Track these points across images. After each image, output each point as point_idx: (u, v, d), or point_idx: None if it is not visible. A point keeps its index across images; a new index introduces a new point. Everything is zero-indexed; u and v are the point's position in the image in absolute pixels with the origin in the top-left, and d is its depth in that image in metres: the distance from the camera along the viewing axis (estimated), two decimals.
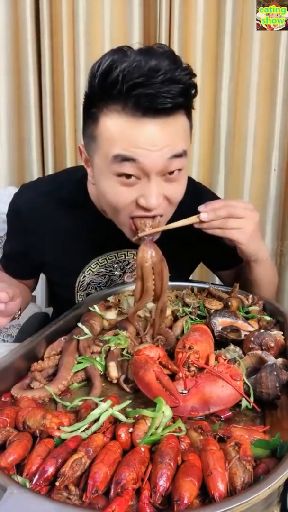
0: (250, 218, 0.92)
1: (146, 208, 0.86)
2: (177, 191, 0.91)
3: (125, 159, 0.82)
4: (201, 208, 0.89)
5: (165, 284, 0.85)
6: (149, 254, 0.83)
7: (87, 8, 1.95)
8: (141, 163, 0.81)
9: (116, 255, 1.14)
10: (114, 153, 0.82)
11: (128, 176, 0.84)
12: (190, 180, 1.14)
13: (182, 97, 0.81)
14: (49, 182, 1.20)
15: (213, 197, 1.27)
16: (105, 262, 1.14)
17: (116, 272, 1.16)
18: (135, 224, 0.90)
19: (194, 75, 0.83)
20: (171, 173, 0.86)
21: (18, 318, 1.00)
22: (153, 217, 0.89)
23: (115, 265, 1.15)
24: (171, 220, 0.94)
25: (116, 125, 0.82)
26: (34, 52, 1.99)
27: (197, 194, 1.14)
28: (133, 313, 0.89)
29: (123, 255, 1.15)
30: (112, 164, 0.83)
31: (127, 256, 1.15)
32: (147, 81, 0.77)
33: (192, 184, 1.13)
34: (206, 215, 0.88)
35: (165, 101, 0.78)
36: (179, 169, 0.87)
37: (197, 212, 0.92)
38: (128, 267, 1.16)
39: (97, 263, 1.14)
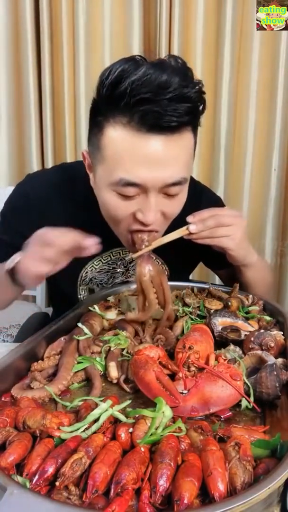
0: (238, 224, 0.93)
1: (143, 223, 0.87)
2: (175, 207, 0.91)
3: (128, 183, 0.82)
4: (189, 219, 0.89)
5: (167, 295, 0.87)
6: (147, 269, 0.85)
7: (87, 8, 1.95)
8: (143, 185, 0.83)
9: (121, 252, 1.14)
10: (119, 177, 0.82)
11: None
12: (191, 179, 1.11)
13: (188, 115, 0.80)
14: (57, 173, 1.16)
15: (213, 196, 1.27)
16: (109, 259, 1.14)
17: (119, 270, 1.16)
18: (133, 239, 0.91)
19: (204, 92, 0.83)
20: (171, 190, 0.86)
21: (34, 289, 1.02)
22: (149, 231, 0.90)
23: (119, 263, 1.15)
24: (170, 224, 0.95)
25: (121, 139, 0.81)
26: (34, 52, 2.00)
27: (196, 194, 1.14)
28: (132, 320, 0.91)
29: (127, 252, 1.14)
30: (116, 184, 0.84)
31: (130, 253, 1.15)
32: (154, 97, 0.76)
33: (192, 184, 1.12)
34: (195, 227, 0.89)
35: (170, 119, 0.78)
36: (180, 188, 0.88)
37: (195, 209, 0.92)
38: (132, 265, 1.17)
39: (100, 260, 1.13)
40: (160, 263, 1.19)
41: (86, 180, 1.04)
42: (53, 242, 0.80)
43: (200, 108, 0.85)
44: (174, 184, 0.85)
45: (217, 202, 1.26)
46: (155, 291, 0.85)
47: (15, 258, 0.86)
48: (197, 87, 0.81)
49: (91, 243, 0.81)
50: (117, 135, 0.81)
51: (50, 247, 0.80)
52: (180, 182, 0.86)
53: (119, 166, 0.82)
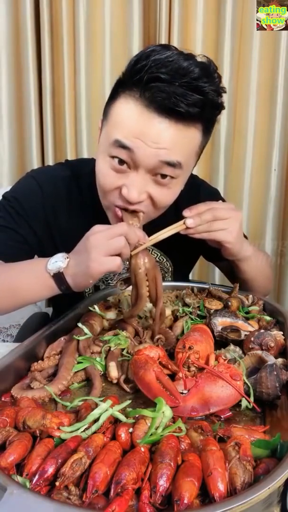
0: (234, 217, 0.94)
1: (127, 200, 0.88)
2: (165, 196, 0.91)
3: (122, 146, 0.84)
4: (186, 213, 0.89)
5: (159, 290, 0.86)
6: (142, 261, 0.83)
7: (87, 8, 1.95)
8: (135, 154, 0.83)
9: None
10: (115, 137, 0.85)
11: (121, 161, 0.86)
12: (191, 174, 1.15)
13: (198, 108, 0.81)
14: (62, 169, 1.15)
15: (211, 189, 1.29)
16: None
17: (124, 265, 1.16)
18: (115, 215, 0.93)
19: (221, 94, 0.85)
20: (163, 176, 0.87)
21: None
22: (133, 212, 0.90)
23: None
24: (167, 218, 0.95)
25: (128, 110, 0.84)
26: (35, 51, 2.00)
27: (195, 187, 1.16)
28: (128, 318, 0.91)
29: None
30: (111, 146, 0.86)
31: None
32: (169, 79, 0.78)
33: (190, 177, 1.12)
34: (192, 221, 0.89)
35: (177, 103, 0.79)
36: (172, 177, 0.88)
37: (194, 202, 0.92)
38: None
39: None
40: (165, 260, 1.19)
41: (90, 176, 1.06)
42: (120, 233, 0.80)
43: (214, 107, 0.86)
44: (168, 164, 0.85)
45: (216, 194, 1.28)
46: (147, 284, 0.84)
47: (60, 263, 0.84)
48: (216, 86, 0.83)
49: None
50: (127, 105, 0.84)
51: (119, 238, 0.80)
52: (174, 164, 0.85)
53: (119, 129, 0.85)
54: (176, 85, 0.78)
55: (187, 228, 0.90)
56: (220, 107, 0.88)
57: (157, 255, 1.17)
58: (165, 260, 1.19)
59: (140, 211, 0.91)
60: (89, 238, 0.82)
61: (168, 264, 1.20)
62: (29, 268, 0.91)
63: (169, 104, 0.79)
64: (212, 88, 0.82)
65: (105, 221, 1.06)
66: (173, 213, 0.98)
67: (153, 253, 1.17)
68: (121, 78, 0.88)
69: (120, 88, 0.87)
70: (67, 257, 0.85)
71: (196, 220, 0.89)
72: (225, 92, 0.87)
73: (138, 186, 0.86)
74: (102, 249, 0.80)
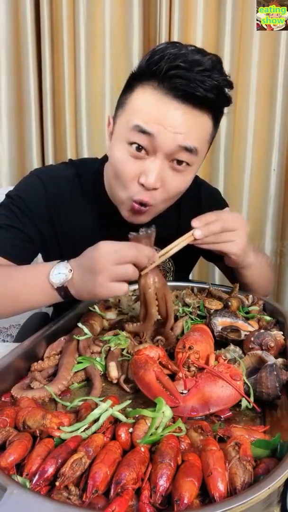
0: (242, 229, 0.93)
1: (144, 186, 0.90)
2: (178, 183, 0.94)
3: (142, 131, 0.87)
4: (194, 223, 0.88)
5: (170, 308, 0.84)
6: (152, 280, 0.81)
7: (87, 8, 1.95)
8: (155, 139, 0.87)
9: None
10: (135, 123, 0.88)
11: (139, 148, 0.89)
12: None
13: (214, 94, 0.86)
14: (66, 169, 1.16)
15: (212, 189, 1.30)
16: None
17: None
18: (133, 207, 0.95)
19: (231, 83, 0.89)
20: (179, 163, 0.90)
21: None
22: (144, 206, 0.94)
23: None
24: (169, 216, 0.99)
25: (146, 98, 0.88)
26: (35, 51, 2.00)
27: (196, 186, 1.18)
28: (131, 332, 0.88)
29: None
30: (130, 132, 0.88)
31: None
32: (187, 67, 0.83)
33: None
34: (200, 233, 0.88)
35: (197, 88, 0.84)
36: (188, 164, 0.91)
37: (195, 207, 0.96)
38: None
39: None
40: (166, 260, 1.19)
41: (94, 176, 1.09)
42: (130, 259, 0.78)
43: (225, 98, 0.90)
44: (186, 149, 0.88)
45: (216, 194, 1.30)
46: (157, 303, 0.82)
47: (64, 276, 0.83)
48: (227, 77, 0.88)
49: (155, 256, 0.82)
50: (145, 94, 0.88)
51: (126, 266, 0.78)
52: (191, 149, 0.89)
53: (138, 115, 0.88)
54: (194, 72, 0.83)
55: (195, 239, 0.88)
56: (229, 99, 0.92)
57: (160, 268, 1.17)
58: (167, 260, 1.19)
59: (150, 205, 0.94)
60: (96, 259, 0.79)
61: (170, 264, 1.20)
62: (31, 275, 0.90)
63: (189, 89, 0.84)
64: (224, 78, 0.87)
65: (108, 220, 1.06)
66: (174, 211, 1.02)
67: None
68: (135, 72, 0.91)
69: (135, 81, 0.90)
70: (71, 270, 0.84)
71: (205, 231, 0.88)
72: (233, 87, 0.90)
73: (156, 170, 0.89)
74: (109, 275, 0.79)
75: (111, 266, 0.78)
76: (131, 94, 0.91)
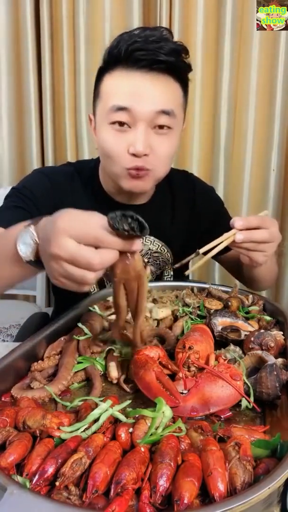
0: (277, 242, 0.92)
1: (135, 155, 0.95)
2: (166, 146, 0.99)
3: (119, 108, 0.94)
4: (237, 224, 0.85)
5: (140, 305, 0.70)
6: (121, 270, 0.64)
7: (87, 7, 1.95)
8: (132, 111, 0.93)
9: None
10: (111, 104, 0.95)
11: (121, 124, 0.95)
12: (186, 171, 1.31)
13: (173, 57, 0.93)
14: (66, 167, 1.23)
15: (206, 186, 1.32)
16: None
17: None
18: (130, 174, 0.98)
19: (186, 49, 0.97)
20: (161, 127, 0.97)
21: None
22: (142, 169, 0.97)
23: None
24: (165, 206, 1.07)
25: (116, 80, 0.96)
26: (34, 51, 2.00)
27: (189, 181, 1.27)
28: (116, 332, 0.79)
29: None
30: (109, 114, 0.95)
31: (144, 242, 1.17)
32: (143, 41, 0.91)
33: (185, 174, 1.30)
34: (243, 238, 0.86)
35: (157, 54, 0.91)
36: (169, 127, 0.97)
37: (189, 203, 1.04)
38: (144, 257, 1.18)
39: None
40: (165, 251, 1.20)
41: (92, 171, 1.16)
42: (91, 266, 0.58)
43: (185, 63, 0.97)
44: (163, 112, 0.94)
45: (211, 192, 1.32)
46: (125, 293, 0.69)
47: (30, 247, 0.67)
48: (179, 42, 0.96)
49: (138, 247, 0.62)
50: (113, 77, 0.96)
51: (86, 272, 0.59)
52: (168, 112, 0.95)
53: (112, 96, 0.95)
54: (150, 42, 0.91)
55: (233, 241, 0.86)
56: (189, 65, 0.99)
57: (158, 245, 1.19)
58: (165, 251, 1.20)
59: (147, 169, 0.98)
60: (50, 242, 0.60)
61: (169, 255, 1.21)
62: (2, 243, 0.77)
63: (151, 56, 0.91)
64: (179, 44, 0.95)
65: (106, 213, 1.08)
66: (168, 201, 1.12)
67: (154, 243, 1.19)
68: (101, 65, 0.99)
69: (103, 73, 0.99)
70: (36, 241, 0.67)
71: (247, 238, 0.86)
72: (188, 52, 0.97)
73: (141, 138, 0.94)
74: (59, 274, 0.61)
75: (62, 261, 0.59)
76: (102, 83, 0.99)
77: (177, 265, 1.02)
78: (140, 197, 1.14)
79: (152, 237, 1.18)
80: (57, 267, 0.61)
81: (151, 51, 0.91)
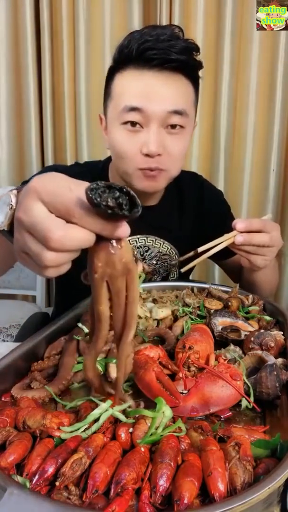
0: (278, 247, 0.93)
1: (148, 155, 0.95)
2: (177, 145, 0.98)
3: (131, 109, 0.94)
4: (239, 226, 0.87)
5: (130, 318, 0.52)
6: (103, 262, 0.47)
7: (87, 7, 1.95)
8: (144, 111, 0.93)
9: (137, 240, 1.16)
10: (124, 104, 0.95)
11: (133, 124, 0.95)
12: (195, 173, 1.31)
13: (185, 55, 0.92)
14: (75, 167, 1.23)
15: (214, 189, 1.32)
16: None
17: (136, 258, 1.17)
18: (144, 175, 0.98)
19: (197, 46, 0.96)
20: (173, 127, 0.96)
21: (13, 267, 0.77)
22: (156, 169, 0.96)
23: (136, 251, 1.17)
24: (173, 207, 1.06)
25: (127, 80, 0.95)
26: (34, 51, 2.00)
27: (198, 183, 1.26)
28: (91, 358, 0.58)
29: (143, 240, 1.17)
30: (121, 114, 0.95)
31: (147, 242, 1.17)
32: (154, 39, 0.91)
33: (194, 175, 1.29)
34: (243, 240, 0.87)
35: (169, 53, 0.90)
36: (181, 126, 0.97)
37: (197, 205, 1.01)
38: (148, 253, 1.18)
39: None
40: (174, 253, 1.21)
41: (102, 172, 1.16)
42: (47, 241, 0.45)
43: (196, 61, 0.97)
44: (175, 112, 0.94)
45: (219, 196, 1.32)
46: (109, 303, 0.50)
47: (4, 216, 0.55)
48: (189, 40, 0.95)
49: (124, 232, 0.46)
50: (125, 77, 0.96)
51: (43, 249, 0.46)
52: (180, 112, 0.95)
53: (124, 97, 0.95)
54: (162, 41, 0.90)
55: (233, 242, 0.87)
56: (200, 63, 0.99)
57: (168, 248, 1.20)
58: (174, 253, 1.20)
59: (160, 169, 0.97)
60: (18, 207, 0.50)
61: (176, 258, 1.21)
62: None
63: (162, 55, 0.90)
64: (190, 42, 0.95)
65: None
66: (177, 203, 1.10)
67: (163, 246, 1.19)
68: (112, 64, 0.99)
69: (114, 72, 0.98)
70: (12, 206, 0.54)
71: (247, 241, 0.88)
72: (199, 50, 0.97)
73: (154, 138, 0.94)
74: (19, 246, 0.50)
75: (23, 229, 0.48)
76: (113, 83, 0.98)
77: (184, 269, 1.03)
78: (150, 199, 1.13)
79: (161, 240, 1.18)
80: (17, 237, 0.49)
81: (162, 50, 0.90)
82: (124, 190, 0.43)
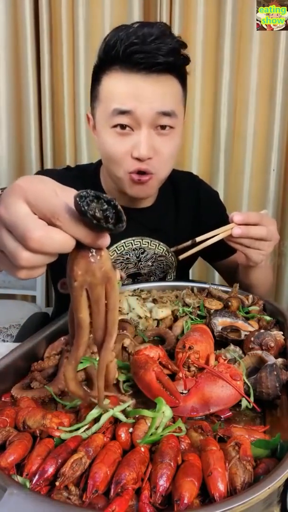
0: (274, 241, 0.93)
1: (139, 159, 0.95)
2: (167, 146, 0.98)
3: (121, 112, 0.93)
4: (236, 218, 0.87)
5: (111, 325, 0.52)
6: (83, 270, 0.47)
7: (86, 7, 1.95)
8: (133, 113, 0.93)
9: (133, 242, 1.16)
10: (113, 107, 0.94)
11: (123, 127, 0.95)
12: (191, 173, 1.30)
13: (172, 56, 0.92)
14: (67, 171, 1.24)
15: (210, 190, 1.31)
16: (122, 249, 1.15)
17: (132, 260, 1.17)
18: (132, 179, 0.97)
19: (184, 43, 0.95)
20: (163, 128, 0.96)
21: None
22: (145, 175, 0.97)
23: (131, 253, 1.16)
24: (167, 208, 1.05)
25: (115, 82, 0.94)
26: (34, 51, 2.00)
27: (195, 183, 1.26)
28: (72, 376, 0.55)
29: (138, 242, 1.16)
30: (110, 117, 0.95)
31: (143, 244, 1.17)
32: (140, 41, 0.90)
33: (191, 175, 1.28)
34: (240, 232, 0.87)
35: (156, 56, 0.90)
36: (171, 127, 0.97)
37: (193, 205, 1.00)
38: (143, 255, 1.18)
39: (115, 251, 1.14)
40: (170, 254, 1.21)
41: (94, 176, 1.15)
42: (25, 239, 0.43)
43: (182, 57, 0.96)
44: (164, 114, 0.94)
45: (215, 197, 1.32)
46: (89, 310, 0.50)
47: None
48: (176, 38, 0.94)
49: (106, 242, 0.47)
50: (112, 79, 0.95)
51: (19, 248, 0.45)
52: (169, 113, 0.95)
53: (113, 100, 0.95)
54: (149, 43, 0.90)
55: (230, 234, 0.87)
56: (188, 58, 0.98)
57: (163, 249, 1.19)
58: (169, 254, 1.20)
59: (150, 172, 0.97)
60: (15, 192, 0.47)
61: (173, 259, 1.21)
62: None
63: (149, 59, 0.90)
64: (176, 40, 0.94)
65: None
66: (172, 203, 1.10)
67: (159, 247, 1.18)
68: (96, 64, 0.98)
69: (99, 72, 0.97)
70: None
71: (244, 233, 0.88)
72: (186, 46, 0.96)
73: (145, 141, 0.94)
74: None
75: (1, 226, 0.46)
76: (100, 85, 0.97)
77: (173, 249, 1.03)
78: (144, 200, 1.13)
79: (157, 241, 1.18)
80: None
81: (149, 54, 0.90)
82: (112, 203, 0.43)
